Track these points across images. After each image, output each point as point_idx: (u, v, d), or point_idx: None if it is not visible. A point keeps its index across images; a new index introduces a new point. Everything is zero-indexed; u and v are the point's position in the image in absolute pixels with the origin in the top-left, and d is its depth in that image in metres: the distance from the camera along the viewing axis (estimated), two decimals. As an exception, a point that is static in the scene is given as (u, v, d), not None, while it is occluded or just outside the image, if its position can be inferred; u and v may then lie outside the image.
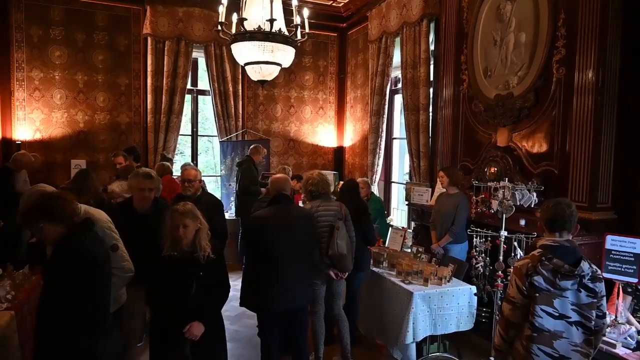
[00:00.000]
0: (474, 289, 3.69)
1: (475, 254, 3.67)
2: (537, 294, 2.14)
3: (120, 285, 2.80)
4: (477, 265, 3.63)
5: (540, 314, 2.14)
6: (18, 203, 5.04)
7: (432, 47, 5.71)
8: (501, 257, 3.50)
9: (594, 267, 2.20)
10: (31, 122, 6.41)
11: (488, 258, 3.65)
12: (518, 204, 3.65)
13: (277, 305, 3.13)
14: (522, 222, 3.77)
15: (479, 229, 3.70)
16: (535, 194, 3.78)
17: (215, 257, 2.63)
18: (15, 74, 6.28)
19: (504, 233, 3.52)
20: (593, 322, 2.16)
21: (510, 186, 3.56)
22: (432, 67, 5.70)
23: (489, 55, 4.63)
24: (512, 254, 3.48)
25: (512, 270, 2.31)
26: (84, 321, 2.06)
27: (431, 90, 5.73)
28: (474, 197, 4.07)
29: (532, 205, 3.71)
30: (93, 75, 6.68)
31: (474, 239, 3.68)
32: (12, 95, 6.27)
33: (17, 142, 6.25)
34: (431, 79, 5.72)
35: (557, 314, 2.14)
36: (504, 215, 3.52)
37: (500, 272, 3.48)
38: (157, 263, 2.60)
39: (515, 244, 3.47)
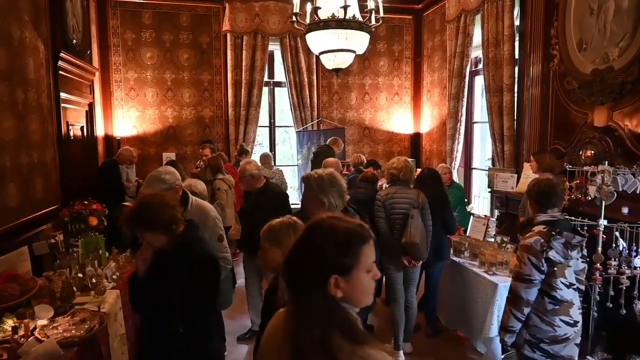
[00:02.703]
0: (567, 282, 3.42)
1: (569, 244, 3.38)
2: (555, 268, 2.27)
3: (223, 276, 2.85)
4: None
5: (560, 286, 2.28)
6: (122, 192, 5.67)
7: (516, 23, 5.31)
8: (600, 249, 3.19)
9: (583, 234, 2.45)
10: (128, 120, 7.03)
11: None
12: (620, 189, 3.29)
13: None
14: (625, 210, 3.40)
15: (573, 218, 3.40)
16: (641, 179, 3.38)
17: None
18: (114, 75, 6.92)
19: (603, 222, 3.20)
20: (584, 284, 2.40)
21: (611, 170, 3.22)
22: (516, 44, 5.30)
23: (584, 26, 4.19)
24: (614, 245, 3.15)
25: (519, 249, 2.39)
26: (209, 324, 2.04)
27: (516, 69, 5.34)
28: (567, 183, 3.74)
29: (638, 191, 3.32)
30: (179, 73, 7.14)
31: (568, 229, 3.39)
32: (111, 95, 6.92)
33: (117, 138, 6.90)
34: (516, 57, 5.32)
35: (568, 284, 2.31)
36: (604, 202, 3.20)
37: (598, 264, 3.18)
38: None
39: (617, 234, 3.14)
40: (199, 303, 2.00)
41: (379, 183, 4.61)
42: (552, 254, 2.26)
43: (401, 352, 3.75)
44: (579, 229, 2.42)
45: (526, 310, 2.30)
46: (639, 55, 3.59)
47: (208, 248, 2.19)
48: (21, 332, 2.27)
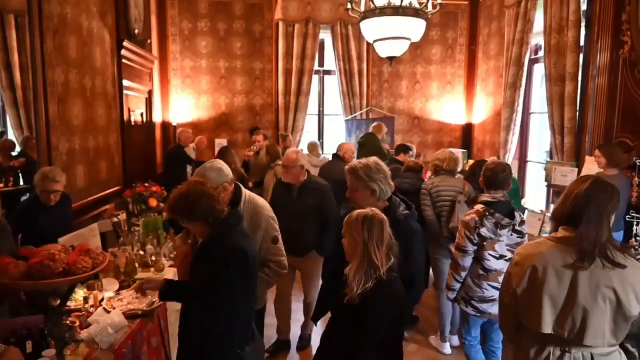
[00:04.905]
0: (630, 283, 3.23)
1: (635, 243, 3.19)
2: (485, 242, 2.66)
3: (274, 281, 2.66)
4: (637, 257, 3.15)
5: (488, 258, 2.68)
6: (185, 177, 5.93)
7: (583, 7, 4.98)
8: (669, 249, 3.00)
9: (520, 214, 2.78)
10: (184, 106, 7.30)
11: (651, 249, 3.15)
12: (696, 187, 3.06)
13: None
14: (700, 210, 3.15)
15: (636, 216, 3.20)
16: None
17: None
18: (171, 64, 7.19)
19: (674, 221, 2.99)
20: None
21: (686, 166, 2.99)
22: (582, 30, 4.99)
23: (661, 11, 3.88)
24: (685, 246, 2.95)
25: (460, 224, 2.78)
26: (232, 327, 1.95)
27: (581, 56, 5.03)
28: (635, 179, 3.52)
29: None
30: (232, 61, 7.31)
31: (634, 227, 3.20)
32: (169, 83, 7.21)
33: (173, 124, 7.19)
34: (581, 44, 5.01)
35: (497, 256, 2.68)
36: (676, 200, 2.99)
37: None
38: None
39: (690, 234, 2.93)
40: (218, 296, 1.90)
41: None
42: (483, 231, 2.65)
43: (447, 344, 3.72)
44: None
45: (463, 274, 2.75)
46: None
47: (242, 242, 1.99)
48: (90, 302, 2.46)
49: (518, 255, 1.83)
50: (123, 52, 5.06)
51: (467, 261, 2.72)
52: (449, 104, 7.87)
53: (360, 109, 7.48)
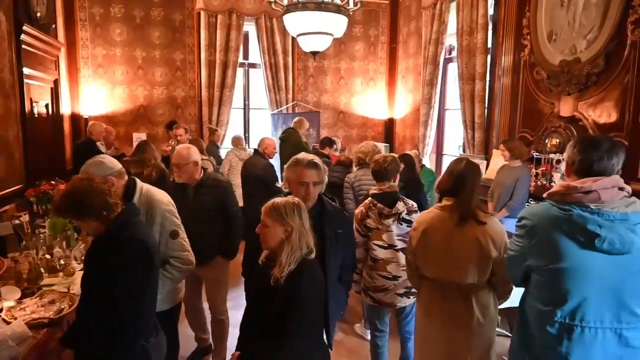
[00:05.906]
0: (530, 264, 3.58)
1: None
2: (370, 233, 2.78)
3: (178, 278, 2.48)
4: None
5: (374, 248, 2.78)
6: None
7: (490, 12, 5.39)
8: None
9: (410, 203, 2.84)
10: (96, 98, 6.78)
11: (547, 233, 3.50)
12: (582, 177, 3.44)
13: None
14: (586, 197, 3.56)
15: (537, 201, 3.55)
16: (601, 167, 3.55)
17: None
18: (81, 52, 6.64)
19: (565, 207, 3.35)
20: None
21: (575, 158, 3.36)
22: (490, 33, 5.40)
23: (554, 18, 4.31)
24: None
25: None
26: (137, 319, 1.86)
27: (489, 57, 5.45)
28: (533, 170, 3.89)
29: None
30: (151, 51, 6.93)
31: (532, 213, 3.54)
32: (78, 72, 6.65)
33: (85, 117, 6.66)
34: (489, 45, 5.43)
35: (386, 245, 2.77)
36: (566, 188, 3.34)
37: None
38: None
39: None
40: (122, 293, 1.81)
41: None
42: (368, 222, 2.78)
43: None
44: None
45: (360, 266, 2.84)
46: (606, 48, 3.73)
47: (140, 233, 1.92)
48: (-13, 314, 2.21)
49: (416, 222, 2.37)
50: (23, 37, 4.58)
51: (359, 253, 2.78)
52: (372, 99, 8.13)
53: (287, 103, 7.47)
